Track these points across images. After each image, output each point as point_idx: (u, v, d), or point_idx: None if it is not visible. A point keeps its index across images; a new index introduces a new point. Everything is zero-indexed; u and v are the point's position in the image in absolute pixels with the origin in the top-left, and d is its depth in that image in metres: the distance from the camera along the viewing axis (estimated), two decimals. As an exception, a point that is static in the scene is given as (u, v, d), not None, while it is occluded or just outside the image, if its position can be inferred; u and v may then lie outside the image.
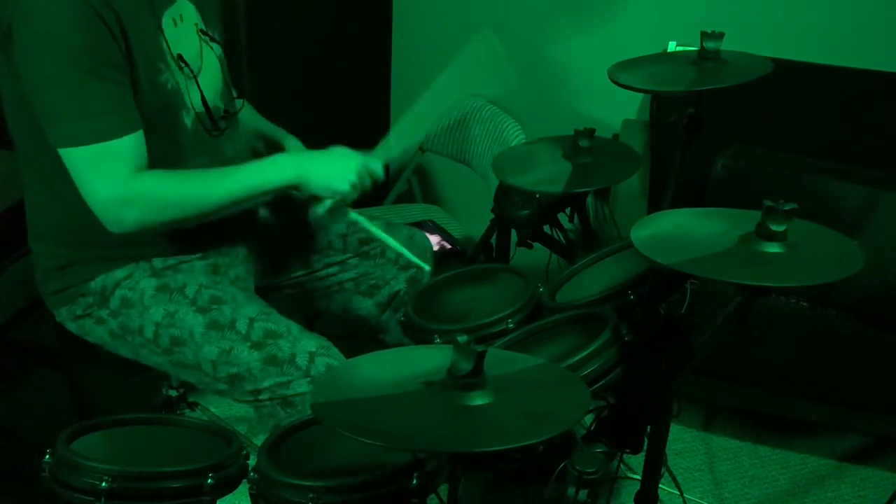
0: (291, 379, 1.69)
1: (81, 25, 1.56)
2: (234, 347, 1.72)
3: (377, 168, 1.81)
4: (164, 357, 1.79)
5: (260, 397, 1.72)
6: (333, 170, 1.76)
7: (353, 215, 1.88)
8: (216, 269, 1.87)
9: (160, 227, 1.72)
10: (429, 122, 1.97)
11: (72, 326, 1.87)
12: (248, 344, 1.72)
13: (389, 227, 2.10)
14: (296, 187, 1.76)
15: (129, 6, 1.62)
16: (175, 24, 1.74)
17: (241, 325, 1.73)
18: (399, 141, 1.89)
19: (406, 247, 2.06)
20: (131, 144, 1.64)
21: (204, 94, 1.78)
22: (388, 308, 2.09)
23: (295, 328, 1.76)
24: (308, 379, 1.69)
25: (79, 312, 1.84)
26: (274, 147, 1.98)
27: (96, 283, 1.81)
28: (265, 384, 1.70)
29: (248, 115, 1.99)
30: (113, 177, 1.63)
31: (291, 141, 1.99)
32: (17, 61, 1.61)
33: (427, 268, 2.00)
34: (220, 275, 1.87)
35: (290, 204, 2.04)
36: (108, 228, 1.68)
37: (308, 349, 1.71)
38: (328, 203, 1.79)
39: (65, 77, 1.59)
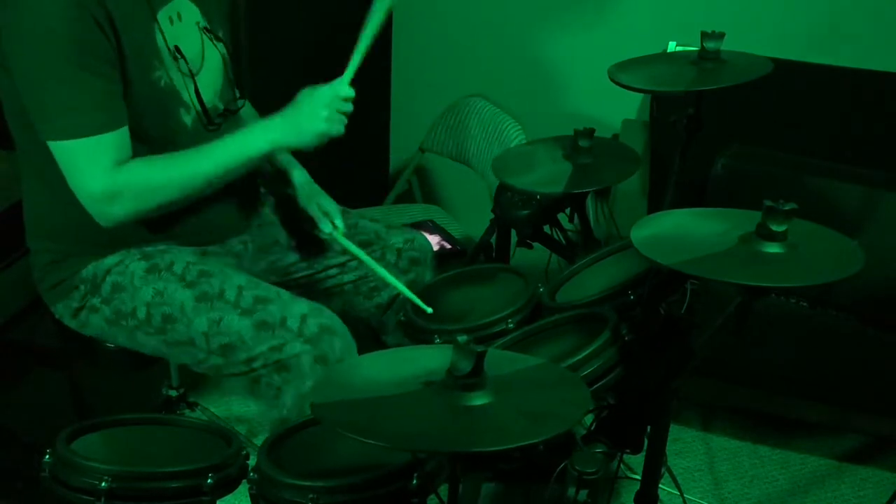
0: (284, 342, 1.69)
1: (71, 20, 1.57)
2: (224, 317, 1.72)
3: (344, 89, 1.75)
4: (159, 337, 1.79)
5: (254, 365, 1.72)
6: (303, 115, 1.72)
7: (348, 245, 1.92)
8: (205, 254, 1.87)
9: (150, 213, 1.72)
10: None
11: (70, 322, 1.87)
12: (238, 311, 1.72)
13: (389, 229, 2.10)
14: (278, 148, 1.75)
15: (122, 2, 1.63)
16: (172, 22, 1.74)
17: (230, 294, 1.74)
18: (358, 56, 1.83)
19: (405, 250, 2.07)
20: (115, 140, 1.65)
21: (201, 92, 1.78)
22: (389, 310, 2.09)
23: (285, 294, 1.76)
24: (301, 340, 1.69)
25: (75, 305, 1.84)
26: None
27: (87, 272, 1.81)
28: (258, 350, 1.70)
29: (249, 117, 1.99)
30: (99, 171, 1.64)
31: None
32: (9, 57, 1.62)
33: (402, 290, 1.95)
34: (208, 257, 1.87)
35: (291, 204, 2.04)
36: (98, 222, 1.69)
37: (299, 311, 1.71)
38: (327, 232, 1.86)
39: (53, 71, 1.59)
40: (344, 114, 1.74)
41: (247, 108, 1.99)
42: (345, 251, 1.99)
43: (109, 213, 1.68)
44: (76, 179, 1.66)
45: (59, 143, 1.63)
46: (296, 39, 2.84)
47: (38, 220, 1.86)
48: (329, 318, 1.74)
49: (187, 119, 1.78)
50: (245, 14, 2.58)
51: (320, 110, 1.72)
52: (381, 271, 1.89)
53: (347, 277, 2.06)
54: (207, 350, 1.75)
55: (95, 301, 1.82)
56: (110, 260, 1.81)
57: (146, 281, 1.78)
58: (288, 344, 1.69)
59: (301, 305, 1.73)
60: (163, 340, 1.79)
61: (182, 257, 1.81)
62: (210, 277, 1.77)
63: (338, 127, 1.74)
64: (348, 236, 1.96)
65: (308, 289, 2.06)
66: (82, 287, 1.82)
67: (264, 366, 1.71)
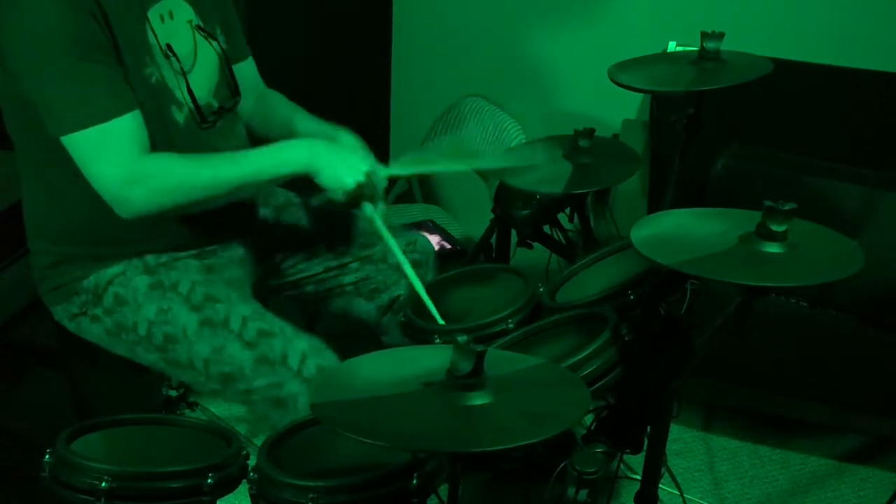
0: (283, 380, 1.69)
1: (67, 17, 1.57)
2: (226, 345, 1.72)
3: (382, 177, 1.79)
4: (159, 355, 1.78)
5: (252, 397, 1.72)
6: (346, 164, 1.73)
7: (370, 211, 1.82)
8: (210, 269, 1.87)
9: (168, 211, 1.70)
10: (443, 166, 1.99)
11: (69, 325, 1.87)
12: (241, 343, 1.71)
13: (390, 231, 2.10)
14: (306, 175, 1.73)
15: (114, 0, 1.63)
16: (163, 20, 1.74)
17: (235, 324, 1.73)
18: (410, 166, 1.86)
19: (407, 253, 2.04)
20: (131, 123, 1.64)
21: (193, 90, 1.78)
22: (389, 311, 2.09)
23: (288, 329, 1.75)
24: (299, 380, 1.68)
25: (74, 311, 1.84)
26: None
27: (89, 282, 1.81)
28: (256, 384, 1.70)
29: (283, 107, 2.00)
30: (118, 156, 1.63)
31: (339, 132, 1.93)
32: (9, 58, 1.62)
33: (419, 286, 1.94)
34: (214, 274, 1.87)
35: (292, 204, 2.04)
36: (117, 212, 1.66)
37: (300, 349, 1.70)
38: (325, 195, 1.76)
39: (55, 66, 1.59)
40: (360, 179, 1.72)
41: (278, 98, 2.00)
42: (373, 235, 1.94)
43: (130, 199, 1.65)
44: (95, 169, 1.64)
45: (73, 135, 1.62)
46: (295, 39, 2.84)
47: (38, 221, 1.86)
48: (329, 358, 1.73)
49: (179, 116, 1.77)
50: (244, 14, 2.58)
51: (360, 172, 1.72)
52: (408, 269, 1.83)
53: (348, 279, 2.06)
54: (206, 376, 1.74)
55: (97, 311, 1.81)
56: (112, 270, 1.80)
57: (150, 298, 1.77)
58: (286, 383, 1.69)
59: (302, 343, 1.72)
60: (162, 358, 1.79)
61: (188, 276, 1.80)
62: (216, 303, 1.76)
63: (351, 182, 1.72)
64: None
65: (309, 290, 2.06)
66: (83, 295, 1.81)
67: (262, 399, 1.71)
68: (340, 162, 1.73)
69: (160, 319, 1.76)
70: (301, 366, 1.69)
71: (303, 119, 1.98)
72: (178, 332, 1.74)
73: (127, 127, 1.63)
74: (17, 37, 1.60)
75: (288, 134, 1.91)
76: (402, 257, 1.82)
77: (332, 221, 2.05)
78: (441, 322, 1.76)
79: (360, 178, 1.73)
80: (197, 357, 1.73)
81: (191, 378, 1.79)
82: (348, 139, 1.83)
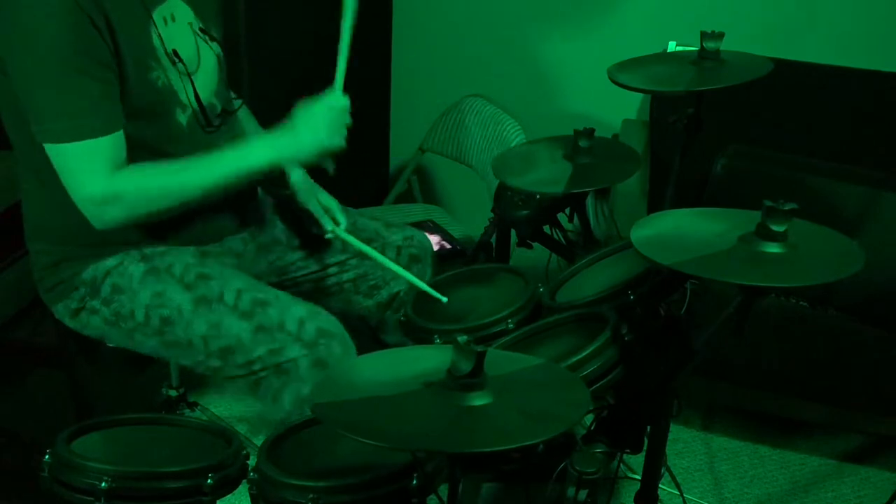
0: (283, 345, 1.69)
1: (67, 22, 1.57)
2: (223, 320, 1.72)
3: (339, 100, 1.75)
4: (157, 339, 1.79)
5: (253, 367, 1.72)
6: (302, 131, 1.72)
7: (352, 241, 1.92)
8: (205, 254, 1.87)
9: (145, 219, 1.73)
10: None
11: (70, 323, 1.87)
12: (237, 314, 1.72)
13: (388, 227, 2.10)
14: (276, 165, 1.75)
15: (118, 3, 1.63)
16: (166, 22, 1.74)
17: (229, 297, 1.74)
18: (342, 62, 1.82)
19: (405, 247, 2.06)
20: (110, 143, 1.65)
21: (199, 91, 1.78)
22: (388, 308, 2.09)
23: (283, 296, 1.76)
24: (300, 344, 1.69)
25: (74, 306, 1.84)
26: None
27: (87, 274, 1.81)
28: (256, 353, 1.70)
29: (244, 118, 1.99)
30: (93, 175, 1.65)
31: None
32: (6, 59, 1.62)
33: (410, 279, 1.96)
34: (209, 258, 1.87)
35: (291, 204, 2.04)
36: (92, 224, 1.69)
37: (298, 315, 1.71)
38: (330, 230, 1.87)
39: (49, 74, 1.60)
40: (343, 125, 1.74)
41: (243, 111, 1.99)
42: (348, 247, 1.99)
43: (104, 216, 1.68)
44: (72, 182, 1.66)
45: (55, 146, 1.64)
46: (294, 39, 2.83)
47: (37, 221, 1.86)
48: (327, 320, 1.74)
49: (183, 119, 1.78)
50: (244, 14, 2.58)
51: (319, 124, 1.71)
52: (390, 264, 1.89)
53: (347, 276, 2.06)
54: (206, 352, 1.75)
55: (95, 303, 1.82)
56: (110, 262, 1.81)
57: (145, 283, 1.78)
58: (286, 348, 1.69)
59: (299, 308, 1.73)
60: (161, 342, 1.79)
61: (182, 259, 1.81)
62: (209, 280, 1.77)
63: (339, 140, 1.74)
64: (350, 232, 1.96)
65: (308, 287, 2.06)
66: (82, 289, 1.82)
67: (263, 368, 1.71)
68: (298, 135, 1.72)
69: (155, 303, 1.76)
70: (300, 330, 1.69)
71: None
72: (174, 312, 1.75)
73: (105, 147, 1.64)
74: (15, 40, 1.60)
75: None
76: (377, 255, 1.89)
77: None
78: (444, 299, 1.79)
79: (323, 129, 1.71)
80: (195, 335, 1.74)
81: (191, 359, 1.79)
82: (296, 109, 1.76)
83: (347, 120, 1.75)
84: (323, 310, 1.76)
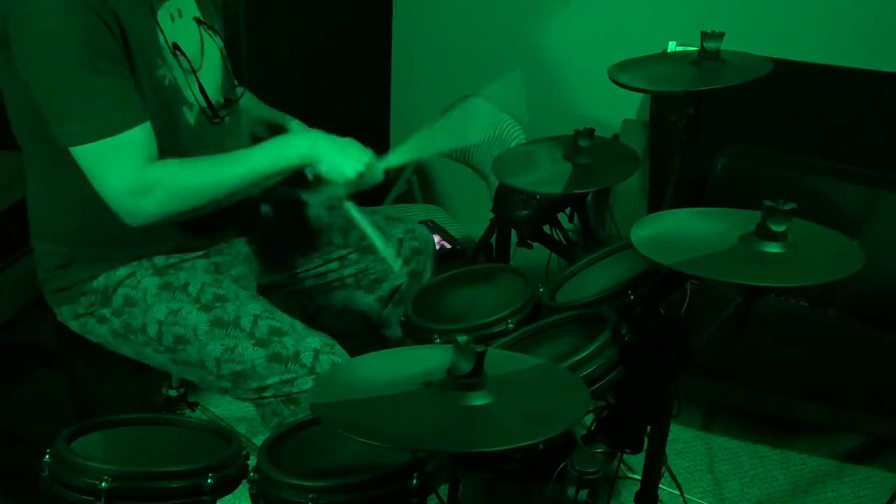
0: (296, 377, 1.69)
1: (78, 22, 1.57)
2: (238, 345, 1.72)
3: (379, 170, 1.82)
4: (167, 356, 1.79)
5: (264, 395, 1.72)
6: (345, 154, 1.77)
7: (350, 208, 1.87)
8: (218, 267, 1.87)
9: (178, 217, 1.72)
10: (437, 145, 2.01)
11: (73, 325, 1.87)
12: (253, 341, 1.72)
13: (390, 221, 2.10)
14: (307, 164, 1.76)
15: (125, 2, 1.63)
16: (173, 18, 1.74)
17: (246, 323, 1.74)
18: (405, 154, 1.89)
19: (406, 240, 2.06)
20: (140, 136, 1.64)
21: (205, 89, 1.78)
22: (390, 303, 2.09)
23: (299, 326, 1.76)
24: (313, 377, 1.69)
25: (80, 311, 1.84)
26: (276, 131, 1.97)
27: (98, 283, 1.81)
28: (269, 381, 1.71)
29: (250, 103, 1.99)
30: (126, 169, 1.64)
31: (293, 122, 1.99)
32: (18, 62, 1.61)
33: (396, 268, 1.99)
34: (221, 273, 1.87)
35: (291, 201, 2.04)
36: (126, 221, 1.67)
37: (313, 346, 1.71)
38: (327, 190, 1.79)
39: (66, 76, 1.59)
40: (362, 164, 1.77)
41: (247, 97, 1.98)
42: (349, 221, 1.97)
43: (139, 209, 1.66)
44: (105, 180, 1.65)
45: (82, 147, 1.62)
46: (295, 34, 2.84)
47: (43, 222, 1.86)
48: (341, 355, 1.74)
49: (190, 116, 1.78)
50: (244, 8, 2.58)
51: (359, 163, 1.77)
52: (369, 228, 1.87)
53: (348, 271, 2.07)
54: (217, 374, 1.75)
55: (105, 312, 1.81)
56: (122, 272, 1.80)
57: (160, 299, 1.78)
58: (299, 379, 1.70)
59: (314, 340, 1.73)
60: (171, 359, 1.79)
61: (197, 277, 1.81)
62: (226, 303, 1.77)
63: (354, 185, 1.78)
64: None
65: (310, 284, 2.06)
66: (91, 296, 1.82)
67: (274, 396, 1.72)
68: (340, 153, 1.76)
69: (170, 320, 1.76)
70: (314, 363, 1.70)
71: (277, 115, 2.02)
72: (189, 332, 1.75)
73: (135, 139, 1.64)
74: (28, 42, 1.59)
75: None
76: (378, 240, 1.87)
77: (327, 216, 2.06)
78: (396, 269, 1.87)
79: (361, 167, 1.75)
80: (208, 357, 1.74)
81: (200, 377, 1.80)
82: (347, 139, 1.83)
83: (369, 179, 1.80)
84: (337, 343, 1.76)
